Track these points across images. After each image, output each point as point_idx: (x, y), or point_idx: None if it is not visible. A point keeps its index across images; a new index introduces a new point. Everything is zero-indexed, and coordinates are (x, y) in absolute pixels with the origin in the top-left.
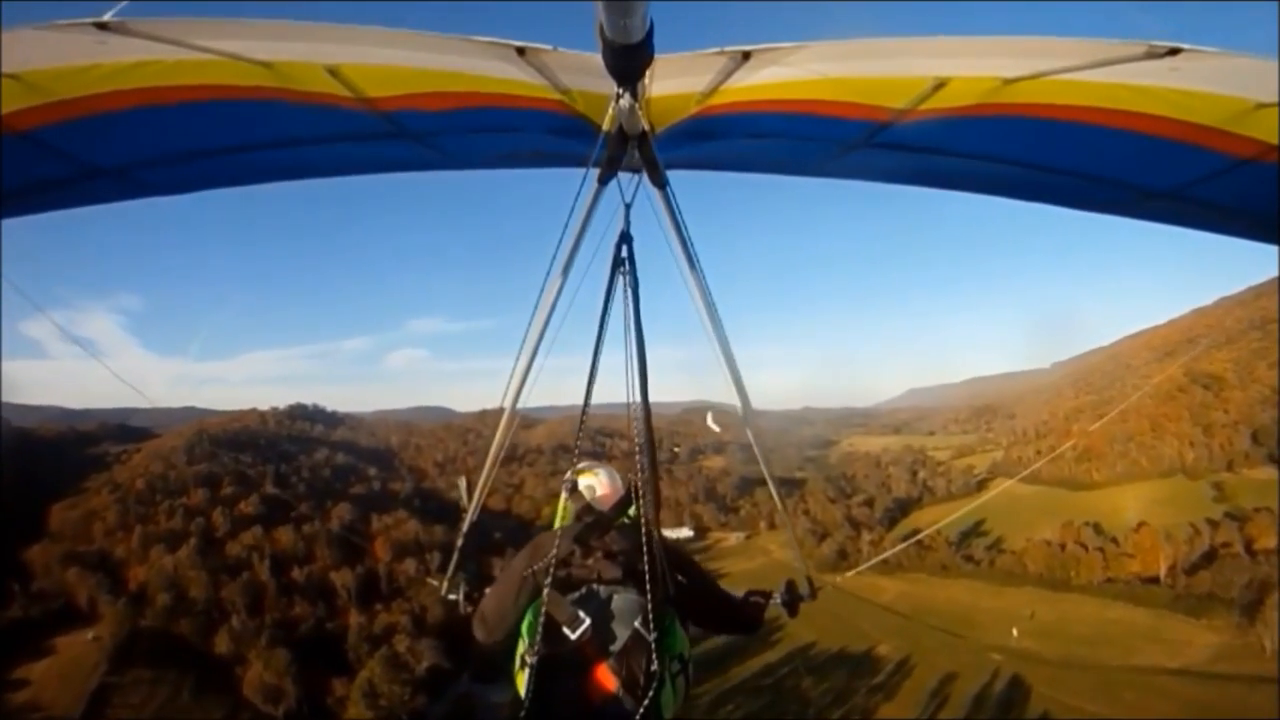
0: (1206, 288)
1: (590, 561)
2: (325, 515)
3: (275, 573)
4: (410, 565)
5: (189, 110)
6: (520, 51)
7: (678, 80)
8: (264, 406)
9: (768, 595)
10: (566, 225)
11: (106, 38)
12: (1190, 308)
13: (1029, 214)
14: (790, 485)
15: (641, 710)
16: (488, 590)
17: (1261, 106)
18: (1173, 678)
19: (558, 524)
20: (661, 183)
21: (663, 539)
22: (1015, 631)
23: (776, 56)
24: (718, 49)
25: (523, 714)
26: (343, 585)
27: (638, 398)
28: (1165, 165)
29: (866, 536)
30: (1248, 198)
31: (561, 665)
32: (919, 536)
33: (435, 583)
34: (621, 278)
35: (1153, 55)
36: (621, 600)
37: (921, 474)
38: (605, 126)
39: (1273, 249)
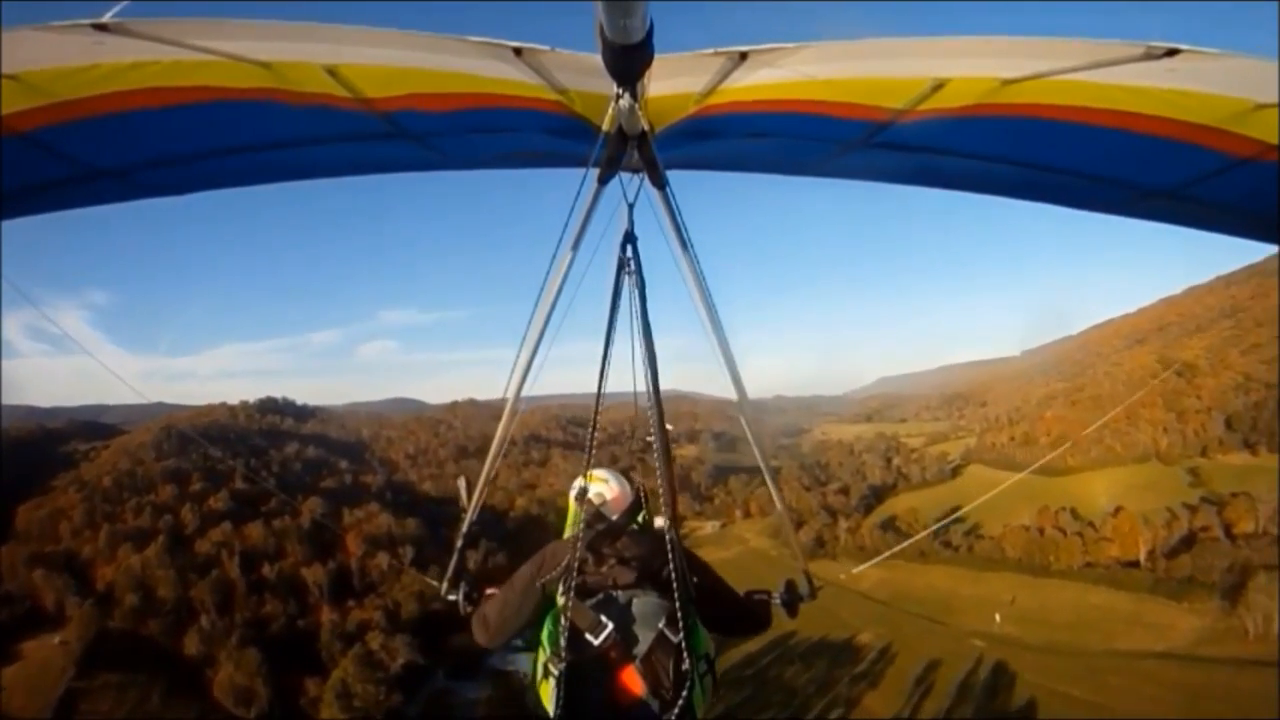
0: (1176, 277)
1: (604, 568)
2: (296, 510)
3: (245, 570)
4: (383, 559)
5: (188, 111)
6: (517, 52)
7: (676, 80)
8: (233, 401)
9: (768, 595)
10: (566, 225)
11: (105, 38)
12: (1159, 296)
13: (998, 205)
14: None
15: (676, 712)
16: (487, 592)
17: (1260, 107)
18: (1158, 661)
19: (567, 532)
20: (661, 183)
21: (679, 541)
22: (998, 618)
23: (774, 57)
24: (715, 49)
25: None
26: (314, 581)
27: (642, 394)
28: (1164, 164)
29: (843, 524)
30: (1247, 197)
31: (585, 672)
32: (946, 523)
33: (435, 583)
34: (627, 278)
35: (1151, 56)
36: (642, 603)
37: (896, 461)
38: (605, 127)
39: (1241, 240)
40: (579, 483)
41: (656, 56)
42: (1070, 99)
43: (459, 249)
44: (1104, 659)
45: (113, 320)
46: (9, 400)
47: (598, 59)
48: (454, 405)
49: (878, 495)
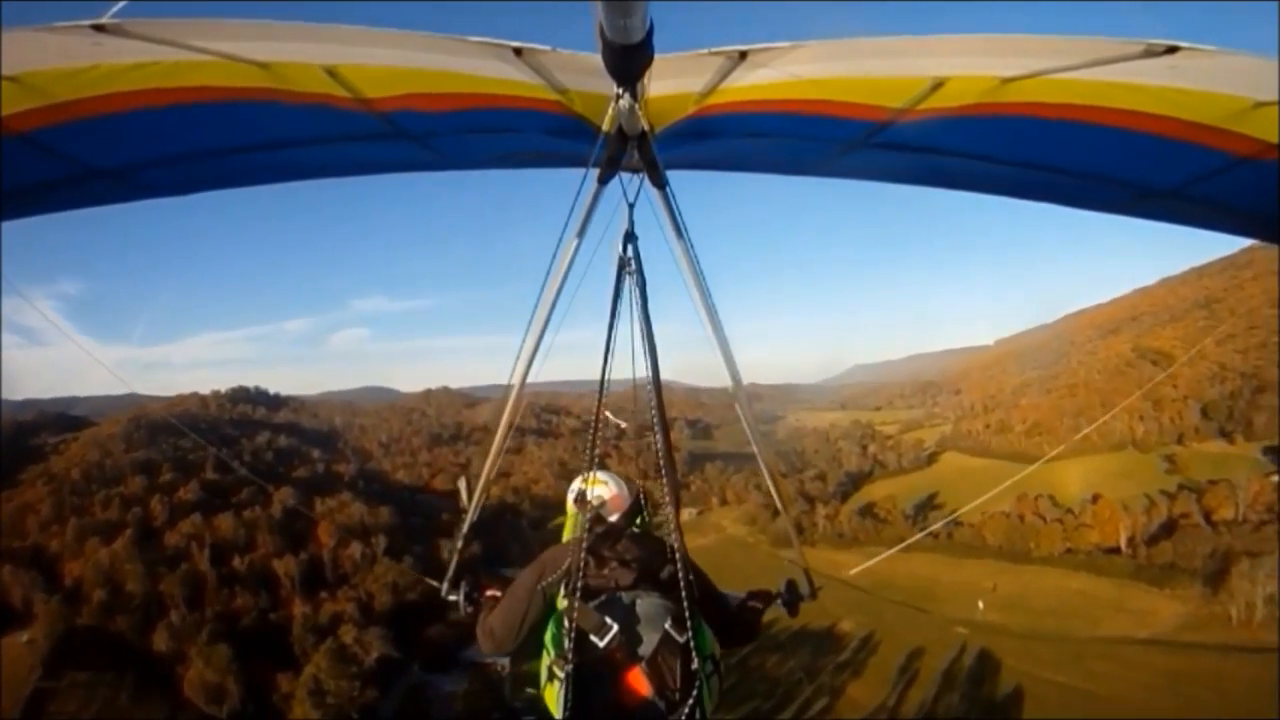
0: (1149, 269)
1: (605, 571)
2: (267, 500)
3: (215, 562)
4: (356, 550)
5: (188, 111)
6: (517, 52)
7: (675, 80)
8: (205, 390)
9: (768, 595)
10: (566, 225)
11: (105, 39)
12: (1133, 287)
13: (971, 196)
14: (740, 460)
15: (685, 712)
16: (487, 593)
17: (1260, 105)
18: (1142, 647)
19: (566, 535)
20: (661, 183)
21: (683, 543)
22: (981, 605)
23: (773, 56)
24: (714, 49)
25: None
26: (286, 573)
27: (641, 391)
28: (1164, 163)
29: (821, 511)
30: (1247, 196)
31: (590, 674)
32: (959, 515)
33: (435, 583)
34: (628, 277)
35: (1151, 54)
36: (645, 605)
37: (871, 448)
38: (605, 127)
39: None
40: (577, 485)
41: (656, 56)
42: (1070, 97)
43: (431, 238)
44: (1088, 645)
45: (84, 311)
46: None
47: (598, 59)
48: (428, 393)
49: (854, 482)
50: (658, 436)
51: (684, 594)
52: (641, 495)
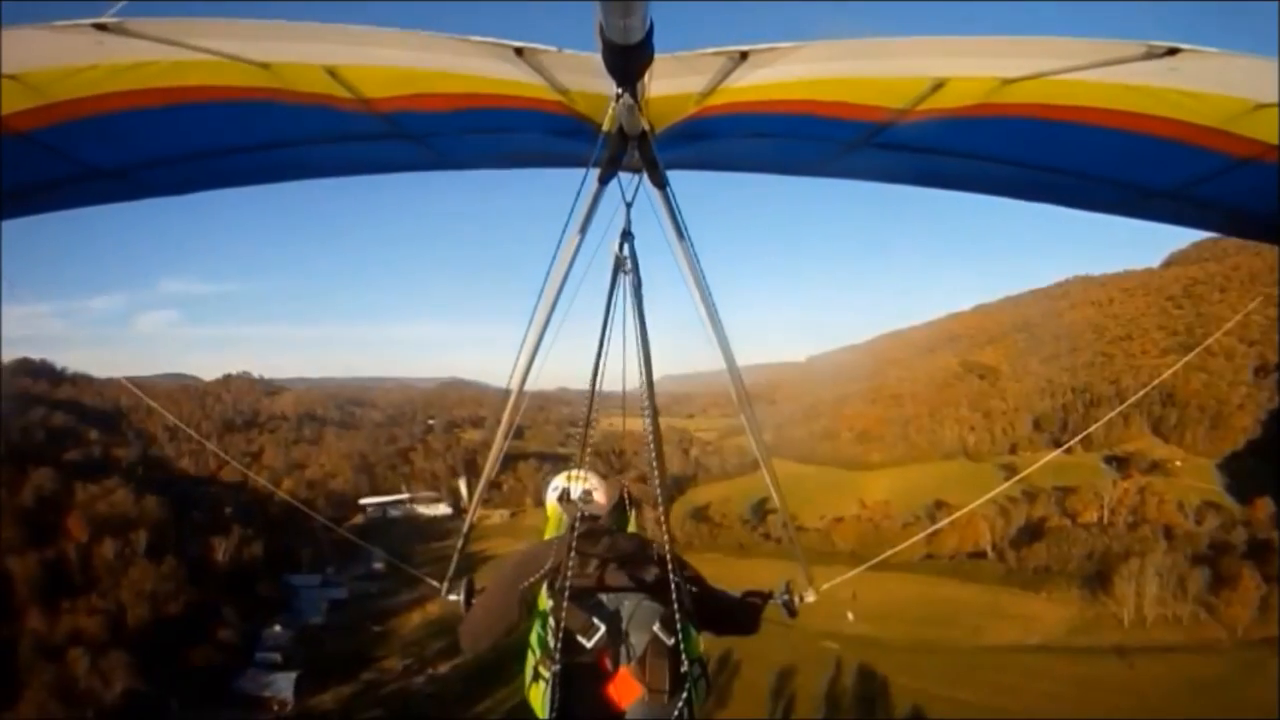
0: (963, 297)
1: (589, 570)
2: (19, 484)
3: None
4: (109, 547)
5: (187, 111)
6: (519, 52)
7: (675, 80)
8: None
9: (766, 596)
10: (566, 225)
11: (105, 38)
12: (947, 313)
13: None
14: (554, 460)
15: (676, 715)
16: (477, 590)
17: (1261, 106)
18: (1037, 655)
19: (549, 533)
20: (661, 183)
21: (674, 542)
22: (850, 616)
23: (774, 56)
24: (715, 49)
25: None
26: (23, 575)
27: (639, 393)
28: (1165, 165)
29: (650, 514)
30: (1248, 197)
31: (576, 675)
32: (952, 520)
33: (436, 584)
34: (623, 276)
35: (1152, 55)
36: (633, 605)
37: (693, 453)
38: (605, 127)
39: (1023, 259)
40: (560, 483)
41: (656, 56)
42: (1070, 99)
43: (250, 217)
44: (979, 655)
45: None
46: None
47: (598, 59)
48: (227, 379)
49: (679, 485)
50: (649, 436)
51: (674, 594)
52: (626, 494)
